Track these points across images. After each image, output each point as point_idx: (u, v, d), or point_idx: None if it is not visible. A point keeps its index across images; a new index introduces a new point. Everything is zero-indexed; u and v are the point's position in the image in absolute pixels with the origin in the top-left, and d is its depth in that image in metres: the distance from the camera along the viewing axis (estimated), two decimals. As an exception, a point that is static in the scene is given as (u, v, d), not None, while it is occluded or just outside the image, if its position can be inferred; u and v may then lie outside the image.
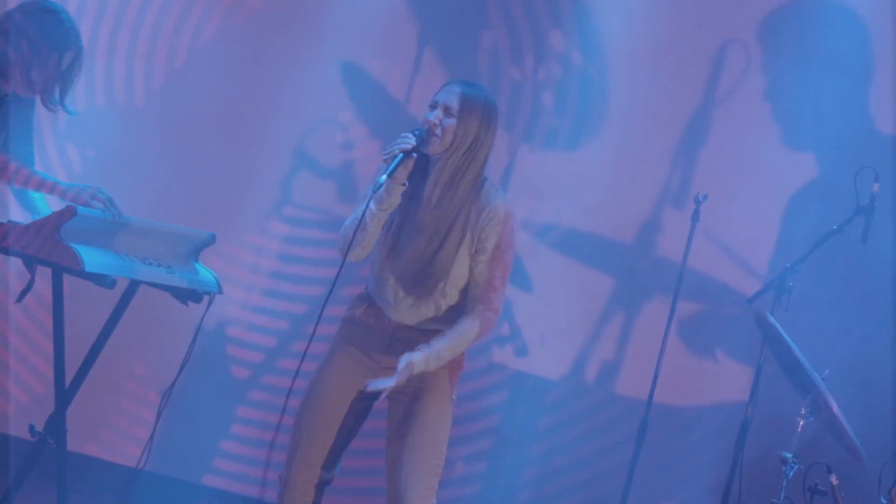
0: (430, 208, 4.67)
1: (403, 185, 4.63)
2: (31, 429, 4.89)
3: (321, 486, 4.75)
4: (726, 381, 6.48)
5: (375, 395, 4.65)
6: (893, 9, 6.59)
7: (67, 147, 6.47)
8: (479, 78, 6.58)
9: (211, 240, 5.05)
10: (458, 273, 4.68)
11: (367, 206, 4.63)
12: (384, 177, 4.56)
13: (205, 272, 5.02)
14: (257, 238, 6.62)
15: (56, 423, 4.88)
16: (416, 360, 4.54)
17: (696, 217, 6.09)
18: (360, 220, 4.64)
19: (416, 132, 4.64)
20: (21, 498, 4.84)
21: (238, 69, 6.58)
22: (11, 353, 6.55)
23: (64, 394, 4.91)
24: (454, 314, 4.71)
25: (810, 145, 6.61)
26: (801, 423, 5.42)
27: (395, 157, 4.59)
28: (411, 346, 4.63)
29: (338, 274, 4.70)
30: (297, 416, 4.78)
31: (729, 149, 6.61)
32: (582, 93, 6.65)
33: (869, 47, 6.58)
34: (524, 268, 6.59)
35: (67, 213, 4.60)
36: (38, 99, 5.04)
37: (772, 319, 5.31)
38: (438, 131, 4.65)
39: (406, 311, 4.72)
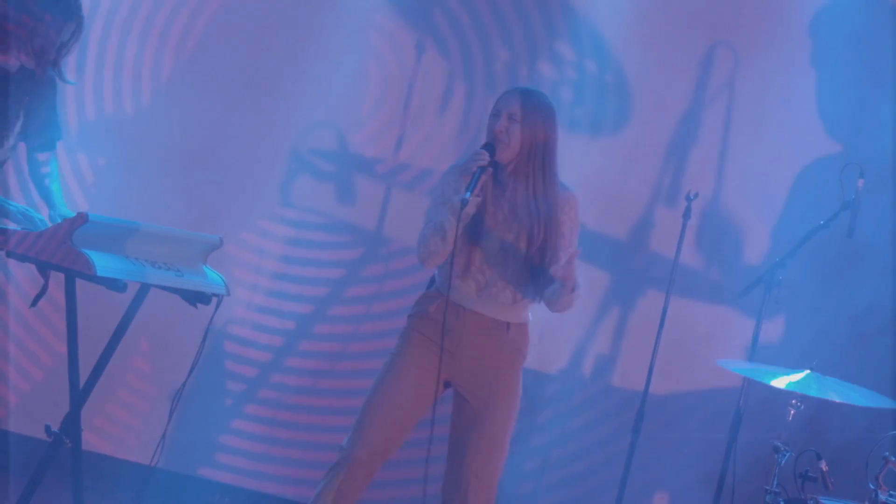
0: (520, 210, 4.77)
1: (479, 196, 4.69)
2: (48, 429, 4.89)
3: (372, 473, 4.81)
4: (719, 372, 6.48)
5: (441, 389, 4.79)
6: (880, 11, 6.60)
7: (79, 156, 6.47)
8: (474, 78, 6.60)
9: (218, 243, 5.06)
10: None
11: (455, 222, 4.66)
12: (468, 194, 4.61)
13: (212, 275, 5.03)
14: (261, 241, 6.62)
15: (71, 423, 4.88)
16: (571, 262, 4.60)
17: (687, 214, 6.10)
18: (442, 233, 4.68)
19: (487, 146, 4.72)
20: (38, 496, 4.84)
21: (237, 75, 6.57)
22: (27, 355, 6.56)
23: (78, 394, 4.91)
24: (523, 301, 4.84)
25: (797, 143, 6.62)
26: (792, 412, 5.43)
27: (474, 174, 4.65)
28: (484, 329, 4.78)
29: (449, 284, 4.75)
30: (371, 398, 4.82)
31: (719, 148, 6.62)
32: (576, 95, 6.65)
33: (856, 47, 6.59)
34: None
35: (79, 220, 4.60)
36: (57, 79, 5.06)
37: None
38: (505, 138, 4.75)
39: (483, 304, 4.81)
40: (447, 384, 4.88)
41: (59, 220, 4.76)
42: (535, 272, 4.78)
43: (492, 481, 4.80)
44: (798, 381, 5.38)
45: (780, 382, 5.32)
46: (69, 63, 5.28)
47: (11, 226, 4.76)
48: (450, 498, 4.82)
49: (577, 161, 6.57)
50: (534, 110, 4.77)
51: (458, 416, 4.87)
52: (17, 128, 5.01)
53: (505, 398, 4.83)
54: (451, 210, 4.66)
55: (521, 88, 4.88)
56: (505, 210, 4.79)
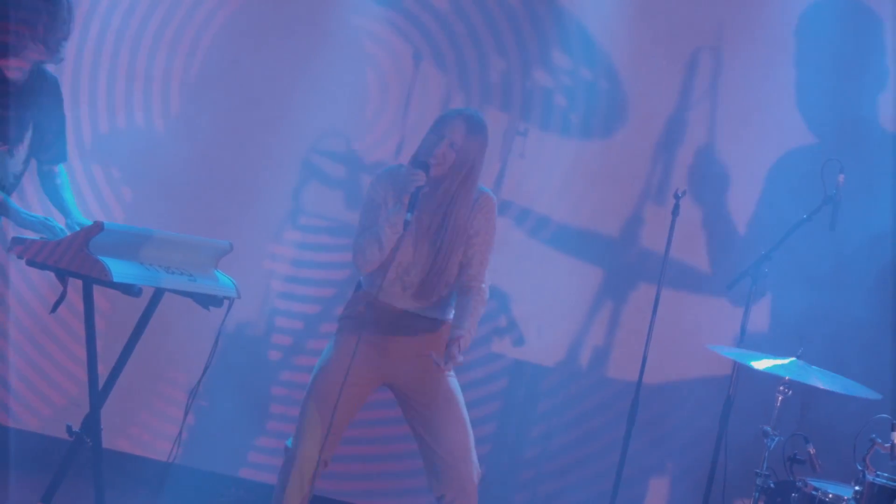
0: (437, 222, 4.87)
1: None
2: (69, 429, 4.89)
3: (321, 465, 4.85)
4: (709, 362, 6.48)
5: (375, 383, 4.93)
6: (856, 13, 6.60)
7: (93, 167, 6.47)
8: (469, 85, 6.59)
9: (228, 248, 5.06)
10: (456, 265, 4.93)
11: (393, 236, 4.81)
12: (409, 215, 4.75)
13: (224, 279, 5.03)
14: (271, 245, 6.62)
15: (91, 423, 4.88)
16: (464, 341, 4.72)
17: (675, 211, 6.09)
18: (380, 243, 4.80)
19: (422, 164, 4.81)
20: (62, 493, 4.84)
21: (245, 88, 6.57)
22: (47, 359, 6.56)
23: (98, 395, 4.91)
24: (448, 297, 4.93)
25: (778, 141, 6.62)
26: (780, 398, 5.43)
27: (413, 194, 4.77)
28: (416, 327, 4.89)
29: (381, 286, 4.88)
30: (309, 398, 4.88)
31: (705, 147, 6.62)
32: (569, 101, 6.65)
33: (834, 48, 6.59)
34: (519, 263, 6.60)
35: (95, 229, 4.61)
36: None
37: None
38: (441, 160, 4.85)
39: (411, 302, 4.89)
40: (384, 385, 4.99)
41: (76, 228, 4.76)
42: (449, 274, 4.89)
43: (473, 459, 4.89)
44: (784, 366, 5.40)
45: (764, 364, 5.34)
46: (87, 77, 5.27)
47: (31, 235, 4.75)
48: (444, 492, 4.86)
49: (570, 163, 6.59)
50: (473, 139, 4.88)
51: (412, 418, 4.95)
52: (28, 139, 5.00)
53: (449, 387, 4.92)
54: (389, 225, 4.79)
55: (465, 115, 4.94)
56: (425, 219, 4.88)
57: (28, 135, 4.99)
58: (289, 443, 4.87)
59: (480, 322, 5.16)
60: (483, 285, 4.91)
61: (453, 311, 4.94)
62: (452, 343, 4.72)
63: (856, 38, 6.61)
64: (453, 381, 4.93)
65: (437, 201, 4.87)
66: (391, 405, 5.13)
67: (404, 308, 4.90)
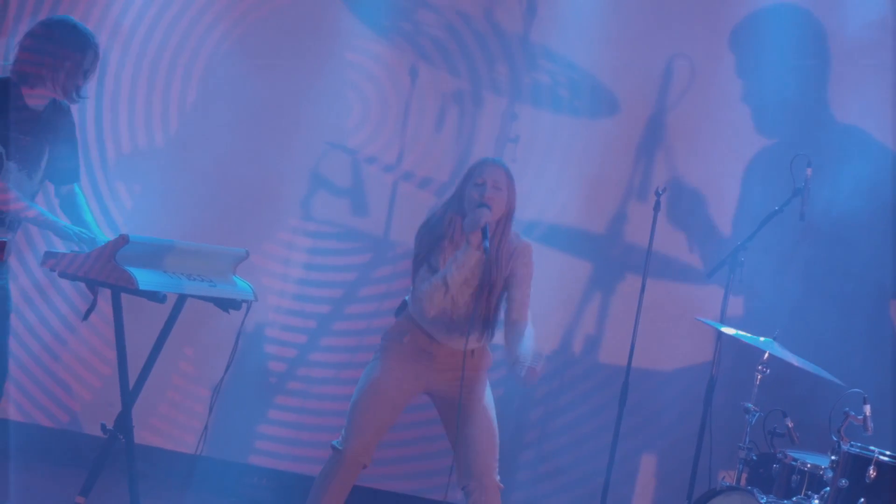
0: (489, 266, 4.85)
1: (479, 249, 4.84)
2: (103, 427, 4.89)
3: (362, 467, 4.85)
4: (693, 345, 6.49)
5: (417, 392, 4.95)
6: (813, 21, 6.61)
7: (117, 184, 6.47)
8: (462, 97, 6.59)
9: (245, 255, 5.06)
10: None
11: (461, 272, 4.81)
12: (487, 243, 4.75)
13: (241, 283, 5.03)
14: (284, 251, 6.62)
15: (123, 421, 4.88)
16: (538, 367, 4.71)
17: (657, 207, 6.10)
18: (446, 286, 4.81)
19: (483, 204, 4.80)
20: (98, 487, 4.84)
21: (256, 107, 6.57)
22: (81, 363, 6.56)
23: (129, 395, 4.91)
24: (489, 333, 4.95)
25: (751, 139, 6.62)
26: (759, 376, 5.43)
27: (484, 228, 4.77)
28: (453, 361, 4.88)
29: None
30: (358, 403, 4.87)
31: (681, 147, 6.62)
32: (553, 107, 6.65)
33: (797, 51, 6.60)
34: (514, 260, 6.60)
35: (121, 241, 4.61)
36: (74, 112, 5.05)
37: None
38: (494, 205, 4.84)
39: (458, 342, 4.88)
40: (424, 392, 4.99)
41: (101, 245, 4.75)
42: (493, 316, 4.91)
43: (496, 460, 4.89)
44: (762, 342, 5.41)
45: (743, 334, 5.37)
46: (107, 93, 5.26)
47: (61, 249, 4.75)
48: (467, 483, 4.86)
49: (558, 166, 6.59)
50: (511, 181, 4.90)
51: (446, 418, 4.96)
52: (44, 162, 5.01)
53: (482, 396, 4.94)
54: (457, 266, 4.78)
55: (499, 163, 4.95)
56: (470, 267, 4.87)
57: (44, 159, 4.99)
58: (336, 443, 4.84)
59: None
60: (527, 321, 4.92)
61: (488, 340, 4.97)
62: (524, 369, 4.71)
63: (812, 43, 6.63)
64: (489, 394, 4.98)
65: (495, 246, 4.87)
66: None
67: (442, 342, 4.91)
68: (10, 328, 5.07)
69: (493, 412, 4.95)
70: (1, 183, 4.81)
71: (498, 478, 4.86)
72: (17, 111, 4.87)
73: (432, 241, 4.91)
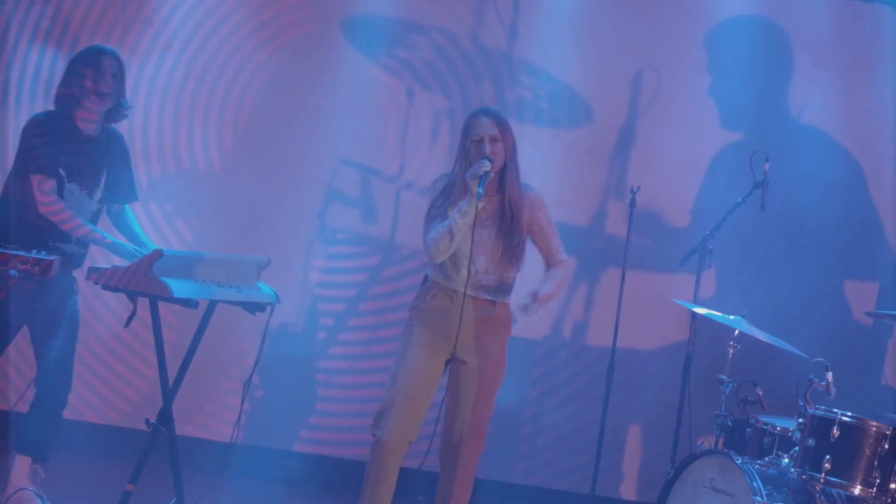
0: (502, 209, 4.68)
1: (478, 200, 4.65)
2: (147, 422, 4.88)
3: (405, 448, 4.67)
4: (670, 326, 6.49)
5: (444, 358, 4.69)
6: (772, 29, 6.60)
7: (151, 205, 6.46)
8: (455, 112, 6.58)
9: (268, 262, 5.05)
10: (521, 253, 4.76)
11: (464, 220, 4.62)
12: (480, 191, 4.57)
13: (266, 288, 5.02)
14: (303, 257, 6.62)
15: (165, 415, 4.88)
16: (542, 295, 4.62)
17: (632, 204, 6.10)
18: (451, 233, 4.62)
19: (488, 158, 4.64)
20: (145, 475, 4.83)
21: (276, 131, 6.57)
22: (125, 366, 6.55)
23: (169, 391, 4.91)
24: (510, 282, 4.77)
25: (714, 139, 6.62)
26: (731, 350, 5.43)
27: (482, 177, 4.59)
28: (475, 313, 4.68)
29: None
30: (391, 388, 4.66)
31: (652, 149, 6.62)
32: (535, 119, 6.64)
33: (753, 58, 6.60)
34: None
35: (156, 255, 4.61)
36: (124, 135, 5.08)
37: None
38: (494, 158, 4.67)
39: (477, 286, 4.69)
40: (450, 358, 4.75)
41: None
42: (511, 261, 4.72)
43: (482, 432, 4.69)
44: (731, 320, 5.41)
45: (715, 313, 5.36)
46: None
47: (104, 265, 4.76)
48: (445, 447, 4.71)
49: (543, 169, 6.58)
50: (504, 126, 4.71)
51: (453, 378, 4.72)
52: (102, 184, 5.01)
53: (492, 365, 4.72)
54: (461, 214, 4.61)
55: (489, 112, 4.74)
56: (488, 212, 4.72)
57: (102, 180, 5.01)
58: (375, 430, 4.64)
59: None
60: (564, 256, 4.80)
61: (507, 296, 4.77)
62: (531, 297, 4.60)
63: (769, 48, 6.63)
64: (500, 367, 4.76)
65: (503, 191, 4.70)
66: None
67: (469, 294, 4.67)
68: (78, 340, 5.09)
69: (497, 384, 4.73)
70: (59, 203, 4.83)
71: (476, 446, 4.68)
72: (71, 135, 4.89)
73: (444, 194, 4.74)
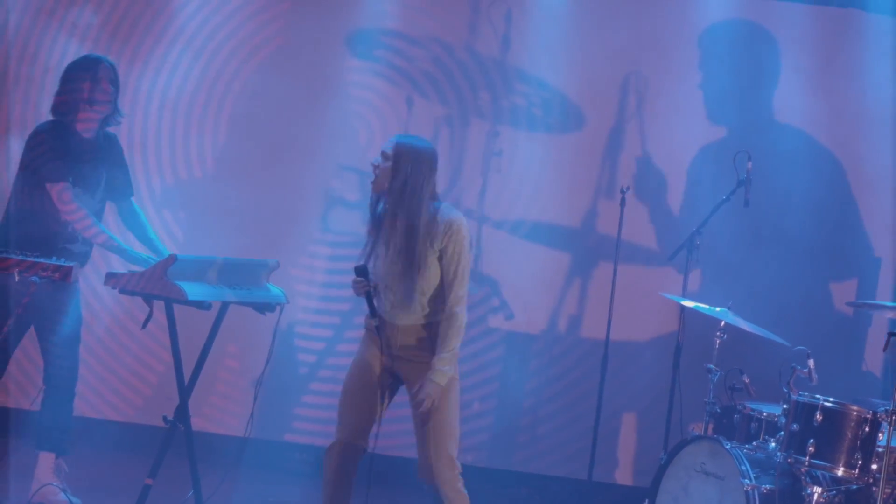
0: (393, 236, 4.41)
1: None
2: (164, 418, 4.90)
3: (359, 451, 4.49)
4: (660, 318, 6.49)
5: (394, 383, 4.48)
6: (755, 32, 6.61)
7: (164, 212, 6.48)
8: (451, 121, 6.59)
9: (276, 265, 5.06)
10: (429, 278, 4.40)
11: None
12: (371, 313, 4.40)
13: (274, 289, 5.03)
14: (309, 259, 6.63)
15: (181, 412, 4.89)
16: (430, 387, 4.29)
17: (623, 203, 6.12)
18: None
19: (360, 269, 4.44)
20: (163, 469, 4.85)
21: (281, 139, 6.58)
22: (143, 365, 6.56)
23: (184, 389, 4.92)
24: (436, 307, 4.42)
25: (699, 140, 6.63)
26: (718, 341, 5.44)
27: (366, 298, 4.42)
28: (412, 338, 4.42)
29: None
30: (342, 394, 4.54)
31: (640, 151, 6.63)
32: (529, 125, 6.65)
33: (736, 62, 6.61)
34: (505, 256, 6.60)
35: (171, 260, 4.63)
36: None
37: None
38: (377, 172, 4.45)
39: (401, 315, 4.44)
40: (398, 379, 4.52)
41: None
42: (407, 288, 4.39)
43: (449, 457, 4.38)
44: (718, 312, 5.42)
45: (702, 306, 5.37)
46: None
47: (121, 270, 4.78)
48: (423, 471, 4.43)
49: (536, 174, 6.59)
50: (403, 154, 4.39)
51: (411, 406, 4.44)
52: (103, 182, 5.04)
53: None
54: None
55: (401, 135, 4.53)
56: (387, 239, 4.46)
57: (103, 180, 5.03)
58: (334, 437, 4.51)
59: (479, 303, 5.02)
60: (459, 307, 4.35)
61: (438, 312, 4.43)
62: (424, 391, 4.29)
63: (750, 53, 6.63)
64: (453, 397, 4.41)
65: (391, 218, 4.41)
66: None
67: (398, 323, 4.44)
68: (81, 340, 5.11)
69: (454, 411, 4.38)
70: (82, 210, 4.85)
71: (451, 475, 4.35)
72: (76, 144, 4.91)
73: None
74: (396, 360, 4.47)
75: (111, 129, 5.13)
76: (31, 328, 5.05)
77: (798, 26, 6.57)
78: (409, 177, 4.37)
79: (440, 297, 4.42)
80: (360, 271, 4.44)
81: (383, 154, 4.44)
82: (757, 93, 6.63)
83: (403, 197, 4.37)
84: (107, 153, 5.05)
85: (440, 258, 4.39)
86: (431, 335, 4.44)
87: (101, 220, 5.08)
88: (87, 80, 4.92)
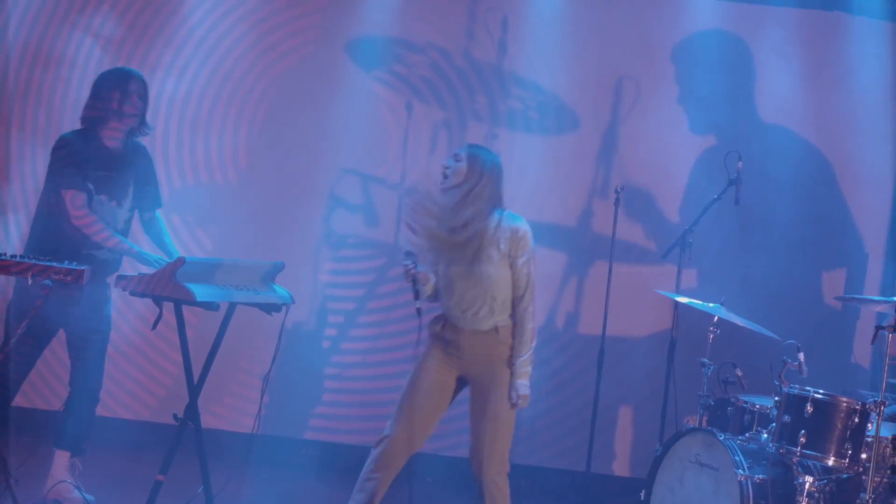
0: (458, 244, 4.39)
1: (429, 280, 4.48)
2: (175, 416, 4.90)
3: (412, 449, 4.52)
4: (655, 314, 6.51)
5: (457, 388, 4.52)
6: (741, 41, 6.62)
7: (173, 216, 6.49)
8: (449, 125, 6.60)
9: (281, 267, 5.07)
10: (499, 283, 4.40)
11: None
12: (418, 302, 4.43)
13: (280, 290, 5.04)
14: (313, 260, 6.63)
15: (191, 410, 4.89)
16: (521, 389, 4.41)
17: (617, 203, 6.13)
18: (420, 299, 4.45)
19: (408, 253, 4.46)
20: (174, 465, 4.85)
21: (284, 144, 6.60)
22: (153, 365, 6.57)
23: (194, 388, 4.92)
24: (504, 311, 4.44)
25: (690, 140, 6.64)
26: (711, 336, 5.45)
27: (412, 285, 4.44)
28: (481, 342, 4.43)
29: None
30: (406, 392, 4.51)
31: (634, 152, 6.64)
32: (525, 128, 6.66)
33: (722, 67, 6.62)
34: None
35: (179, 263, 4.63)
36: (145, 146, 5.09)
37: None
38: (448, 173, 4.45)
39: (471, 321, 4.45)
40: (463, 380, 4.56)
41: None
42: (475, 294, 4.41)
43: (503, 449, 4.43)
44: (711, 307, 5.43)
45: (695, 302, 5.38)
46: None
47: (132, 273, 4.79)
48: (473, 463, 4.46)
49: (533, 176, 6.60)
50: (475, 158, 4.45)
51: (472, 401, 4.50)
52: (131, 193, 5.05)
53: (500, 386, 4.45)
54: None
55: (471, 144, 4.58)
56: (458, 253, 4.42)
57: (130, 190, 5.04)
58: (386, 428, 4.50)
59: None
60: (530, 308, 4.40)
61: (505, 314, 4.44)
62: (516, 393, 4.41)
63: (739, 55, 6.65)
64: (506, 385, 4.46)
65: (456, 224, 4.38)
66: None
67: (463, 327, 4.45)
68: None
69: (511, 417, 4.42)
70: (91, 216, 4.86)
71: (497, 474, 4.38)
72: (97, 152, 4.92)
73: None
74: (465, 363, 4.49)
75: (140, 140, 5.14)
76: (60, 332, 5.06)
77: (785, 29, 6.58)
78: (480, 181, 4.40)
79: (508, 301, 4.44)
80: (409, 255, 4.46)
81: (455, 156, 4.46)
82: (745, 95, 6.65)
83: (474, 201, 4.38)
84: (134, 164, 5.06)
85: (510, 265, 4.41)
86: (500, 339, 4.45)
87: (129, 229, 5.07)
88: (117, 93, 4.93)
